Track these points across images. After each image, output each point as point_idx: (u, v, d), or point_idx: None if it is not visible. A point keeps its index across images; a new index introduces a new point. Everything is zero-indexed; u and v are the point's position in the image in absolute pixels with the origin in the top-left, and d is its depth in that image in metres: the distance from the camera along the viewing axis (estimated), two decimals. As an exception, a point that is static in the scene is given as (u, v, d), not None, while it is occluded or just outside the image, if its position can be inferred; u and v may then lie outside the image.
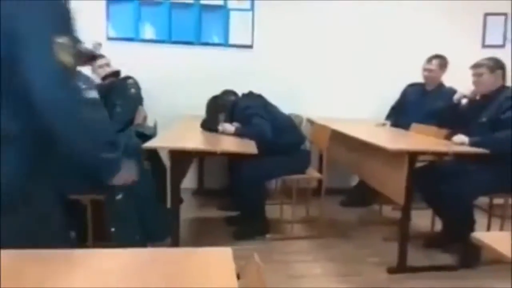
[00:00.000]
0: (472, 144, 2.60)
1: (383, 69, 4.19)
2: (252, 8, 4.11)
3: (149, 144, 2.34)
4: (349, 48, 4.22)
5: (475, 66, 2.84)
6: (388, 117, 3.86)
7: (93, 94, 2.18)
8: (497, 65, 2.80)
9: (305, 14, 4.12)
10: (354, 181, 3.99)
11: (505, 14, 4.23)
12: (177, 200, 2.41)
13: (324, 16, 4.15)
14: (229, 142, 2.70)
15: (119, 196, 2.09)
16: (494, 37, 4.25)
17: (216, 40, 4.13)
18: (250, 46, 4.11)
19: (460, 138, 2.67)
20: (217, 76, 3.94)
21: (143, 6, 4.02)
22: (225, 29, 4.11)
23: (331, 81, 4.22)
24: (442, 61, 3.63)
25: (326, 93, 4.22)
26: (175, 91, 4.04)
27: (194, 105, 3.63)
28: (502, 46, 4.24)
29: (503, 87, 2.82)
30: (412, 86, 3.82)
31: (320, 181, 3.31)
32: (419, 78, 3.72)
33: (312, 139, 3.51)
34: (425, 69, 3.65)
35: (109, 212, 2.15)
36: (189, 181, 3.96)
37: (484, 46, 4.26)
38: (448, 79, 3.61)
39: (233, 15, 4.10)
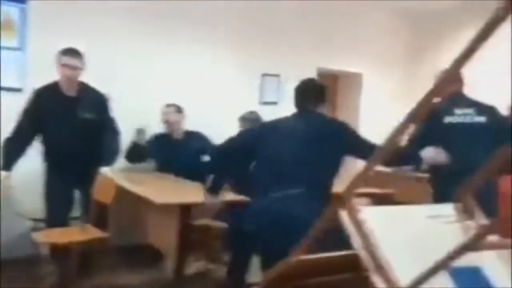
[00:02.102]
0: None
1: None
2: (22, 47, 3.65)
3: None
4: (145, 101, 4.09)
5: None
6: None
7: None
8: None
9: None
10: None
11: (278, 75, 4.78)
12: None
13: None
14: None
15: None
16: (270, 95, 4.74)
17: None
18: (20, 90, 3.59)
19: None
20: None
21: None
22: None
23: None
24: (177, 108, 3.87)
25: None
26: None
27: None
28: (275, 103, 4.75)
29: None
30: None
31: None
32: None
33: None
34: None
35: None
36: None
37: (261, 103, 4.70)
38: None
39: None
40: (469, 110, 2.67)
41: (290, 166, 2.18)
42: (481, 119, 2.65)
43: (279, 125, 2.37)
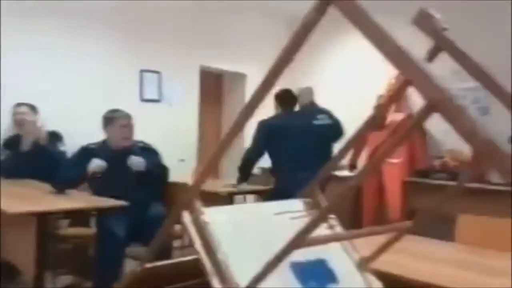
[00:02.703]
0: None
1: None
2: None
3: None
4: None
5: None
6: None
7: None
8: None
9: None
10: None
11: (158, 72, 4.60)
12: None
13: None
14: None
15: None
16: (151, 92, 4.55)
17: None
18: None
19: None
20: None
21: None
22: None
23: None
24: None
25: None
26: None
27: None
28: (158, 100, 4.57)
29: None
30: None
31: None
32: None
33: None
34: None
35: None
36: None
37: (142, 100, 4.50)
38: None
39: None
40: (324, 115, 3.53)
41: (301, 155, 3.25)
42: (330, 121, 3.54)
43: (281, 122, 3.43)
